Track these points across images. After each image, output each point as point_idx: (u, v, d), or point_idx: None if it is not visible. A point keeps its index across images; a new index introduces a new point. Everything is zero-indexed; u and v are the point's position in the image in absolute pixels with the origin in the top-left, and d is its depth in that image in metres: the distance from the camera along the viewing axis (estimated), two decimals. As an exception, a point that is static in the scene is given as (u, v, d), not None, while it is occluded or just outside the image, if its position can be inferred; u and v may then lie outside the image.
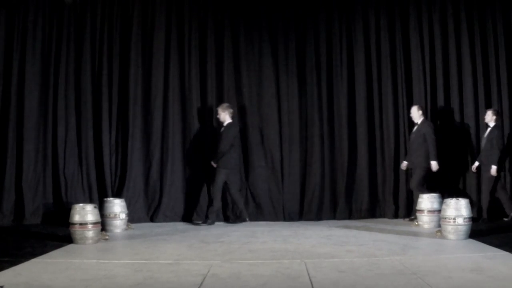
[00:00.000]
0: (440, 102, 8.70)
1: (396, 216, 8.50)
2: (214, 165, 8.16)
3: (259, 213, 8.61)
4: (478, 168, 8.25)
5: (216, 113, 8.40)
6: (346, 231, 7.27)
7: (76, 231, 6.30)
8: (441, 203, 6.90)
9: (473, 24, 8.67)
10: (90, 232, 6.32)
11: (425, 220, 7.47)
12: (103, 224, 6.79)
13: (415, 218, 7.77)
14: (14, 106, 8.26)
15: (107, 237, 6.66)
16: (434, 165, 8.03)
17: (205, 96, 8.75)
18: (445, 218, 6.43)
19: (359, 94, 8.82)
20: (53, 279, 4.55)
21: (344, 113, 8.79)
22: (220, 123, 8.33)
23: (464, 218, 6.34)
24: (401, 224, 7.94)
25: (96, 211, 6.50)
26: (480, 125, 8.55)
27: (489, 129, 8.10)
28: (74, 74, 8.52)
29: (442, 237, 6.46)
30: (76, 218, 6.31)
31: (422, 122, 8.23)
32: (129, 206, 7.90)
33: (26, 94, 8.27)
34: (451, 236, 6.36)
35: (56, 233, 6.98)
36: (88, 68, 8.54)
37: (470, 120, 8.61)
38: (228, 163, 8.18)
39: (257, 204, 8.65)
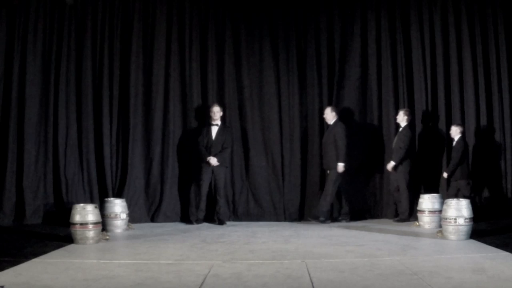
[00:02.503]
0: (441, 101, 8.69)
1: (396, 216, 8.49)
2: (215, 164, 8.14)
3: (260, 213, 8.61)
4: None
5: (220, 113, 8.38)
6: (347, 231, 7.27)
7: (77, 231, 6.30)
8: (442, 203, 6.90)
9: (474, 24, 8.68)
10: (91, 232, 6.32)
11: (426, 220, 7.47)
12: (103, 224, 6.79)
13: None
14: (15, 106, 8.26)
15: (107, 237, 6.66)
16: (340, 167, 8.05)
17: (206, 96, 8.75)
18: (446, 219, 6.43)
19: (360, 94, 8.82)
20: (53, 279, 4.55)
21: (344, 112, 8.79)
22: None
23: (465, 219, 6.33)
24: (402, 224, 7.93)
25: (97, 211, 6.50)
26: (481, 125, 8.56)
27: (400, 128, 8.20)
28: (75, 74, 8.53)
29: (443, 237, 6.46)
30: (77, 218, 6.31)
31: (335, 124, 8.25)
32: (130, 206, 7.91)
33: (27, 94, 8.27)
34: (452, 237, 6.36)
35: (57, 233, 6.98)
36: (88, 68, 8.55)
37: (471, 120, 8.59)
38: (228, 162, 8.30)
39: (258, 204, 8.66)
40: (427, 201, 7.49)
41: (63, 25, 8.50)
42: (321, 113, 8.78)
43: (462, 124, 8.47)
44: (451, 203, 6.46)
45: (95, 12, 8.60)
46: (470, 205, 6.47)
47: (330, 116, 8.34)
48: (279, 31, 8.90)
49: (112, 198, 7.73)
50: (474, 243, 6.16)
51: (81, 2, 8.54)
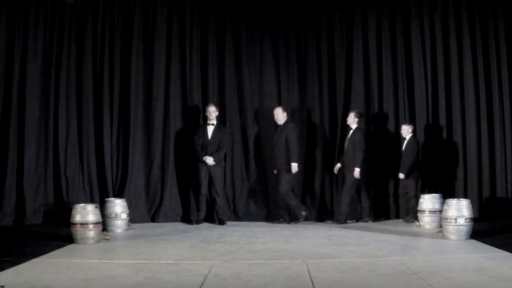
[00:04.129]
0: (441, 102, 8.69)
1: (397, 216, 8.50)
2: (211, 163, 8.14)
3: (260, 213, 8.60)
4: (340, 170, 8.32)
5: (216, 112, 8.37)
6: (347, 231, 7.27)
7: (77, 231, 6.30)
8: (443, 203, 6.90)
9: (474, 23, 8.66)
10: (91, 232, 6.32)
11: (426, 220, 7.47)
12: (104, 224, 6.79)
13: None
14: (16, 105, 8.27)
15: (108, 237, 6.66)
16: (294, 167, 8.01)
17: (206, 96, 8.75)
18: (447, 219, 6.42)
19: (360, 95, 8.82)
20: (54, 279, 4.55)
21: (345, 113, 8.78)
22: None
23: (466, 219, 6.33)
24: (402, 224, 7.93)
25: (97, 211, 6.50)
26: (481, 125, 8.55)
27: (351, 131, 8.19)
28: (75, 74, 8.52)
29: (444, 237, 6.46)
30: (77, 218, 6.31)
31: (285, 124, 8.21)
32: (130, 206, 7.91)
33: (27, 94, 8.27)
34: (453, 237, 6.36)
35: (57, 233, 6.98)
36: (89, 68, 8.54)
37: (471, 120, 8.59)
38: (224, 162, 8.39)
39: (258, 204, 8.65)
40: (428, 201, 7.49)
41: (64, 25, 8.50)
42: (322, 113, 8.80)
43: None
44: (452, 203, 6.46)
45: (96, 11, 8.59)
46: (470, 205, 6.46)
47: (281, 116, 8.26)
48: (279, 31, 8.90)
49: (112, 198, 7.73)
50: (475, 243, 6.16)
51: (82, 2, 8.53)
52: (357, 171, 7.95)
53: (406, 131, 8.26)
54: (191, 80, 8.75)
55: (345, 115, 8.77)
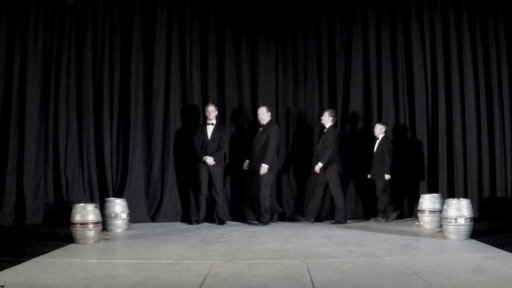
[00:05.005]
0: (441, 101, 8.68)
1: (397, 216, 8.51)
2: (211, 163, 8.13)
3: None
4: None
5: (216, 112, 8.35)
6: (347, 231, 7.27)
7: (77, 230, 6.30)
8: (443, 203, 6.90)
9: (474, 22, 8.66)
10: (91, 232, 6.31)
11: (426, 220, 7.46)
12: (104, 224, 6.78)
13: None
14: (15, 105, 8.26)
15: (108, 237, 6.66)
16: (263, 168, 7.94)
17: (206, 96, 8.74)
18: (447, 219, 6.42)
19: (360, 95, 8.82)
20: (54, 279, 4.54)
21: (344, 113, 8.78)
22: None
23: (466, 219, 6.33)
24: (402, 224, 7.93)
25: (97, 210, 6.50)
26: (481, 125, 8.55)
27: (325, 129, 8.18)
28: (75, 74, 8.52)
29: (444, 237, 6.46)
30: (77, 217, 6.31)
31: (268, 124, 8.17)
32: (130, 206, 7.91)
33: (27, 94, 8.26)
34: (453, 236, 6.35)
35: (57, 232, 6.97)
36: (89, 68, 8.54)
37: (471, 120, 8.58)
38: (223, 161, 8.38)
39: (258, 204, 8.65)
40: (428, 201, 7.49)
41: (64, 25, 8.49)
42: (322, 113, 8.77)
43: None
44: (452, 203, 6.46)
45: (96, 11, 8.58)
46: (470, 205, 6.46)
47: (266, 116, 8.20)
48: (279, 31, 8.91)
49: (112, 198, 7.72)
50: (475, 243, 6.16)
51: (82, 2, 8.53)
52: (319, 166, 7.99)
53: (379, 130, 8.22)
54: (191, 80, 8.75)
55: (345, 115, 8.79)
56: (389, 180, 8.14)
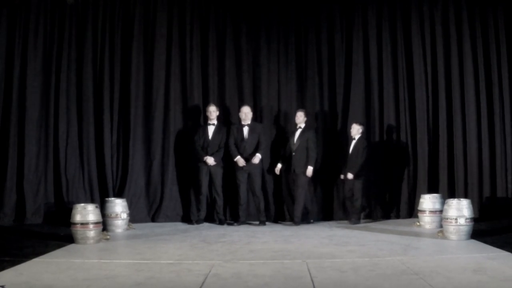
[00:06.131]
0: (442, 101, 8.68)
1: (397, 216, 8.51)
2: (212, 163, 8.13)
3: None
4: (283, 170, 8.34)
5: (216, 112, 8.34)
6: (347, 231, 7.27)
7: (78, 230, 6.30)
8: (443, 203, 6.90)
9: (475, 23, 8.65)
10: (92, 232, 6.31)
11: (426, 220, 7.46)
12: (104, 224, 6.79)
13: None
14: (16, 105, 8.26)
15: (108, 237, 6.66)
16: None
17: (207, 96, 8.74)
18: (447, 219, 6.42)
19: (360, 96, 8.82)
20: (54, 279, 4.55)
21: (345, 114, 8.78)
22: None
23: (466, 219, 6.33)
24: (403, 224, 7.93)
25: (98, 211, 6.50)
26: (482, 125, 8.54)
27: (299, 130, 8.18)
28: (75, 74, 8.52)
29: (444, 237, 6.46)
30: (78, 218, 6.31)
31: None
32: (131, 206, 7.91)
33: (27, 94, 8.26)
34: (453, 237, 6.35)
35: (57, 233, 6.98)
36: (89, 68, 8.54)
37: (471, 120, 8.58)
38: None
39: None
40: (428, 201, 7.49)
41: (64, 25, 8.49)
42: (321, 113, 8.79)
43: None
44: (452, 203, 6.46)
45: (96, 11, 8.58)
46: (471, 205, 6.46)
47: (250, 115, 8.25)
48: (280, 31, 8.89)
49: (112, 198, 7.72)
50: (475, 243, 6.16)
51: (82, 2, 8.53)
52: (310, 170, 8.00)
53: (356, 130, 8.14)
54: (191, 80, 8.74)
55: (345, 115, 8.78)
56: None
